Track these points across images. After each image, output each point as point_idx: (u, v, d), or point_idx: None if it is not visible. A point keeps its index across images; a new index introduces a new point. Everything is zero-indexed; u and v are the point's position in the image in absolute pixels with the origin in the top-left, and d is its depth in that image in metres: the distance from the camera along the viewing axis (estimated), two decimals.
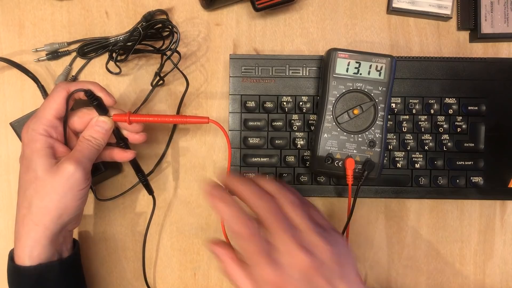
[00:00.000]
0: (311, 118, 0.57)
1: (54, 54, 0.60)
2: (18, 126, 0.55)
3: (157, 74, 0.57)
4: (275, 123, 0.57)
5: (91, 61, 0.61)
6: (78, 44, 0.60)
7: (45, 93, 0.57)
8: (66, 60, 0.60)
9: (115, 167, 0.60)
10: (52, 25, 0.61)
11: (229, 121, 0.57)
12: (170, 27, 0.58)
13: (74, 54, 0.60)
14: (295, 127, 0.57)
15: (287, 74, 0.57)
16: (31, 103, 0.60)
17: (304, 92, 0.57)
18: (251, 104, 0.57)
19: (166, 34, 0.59)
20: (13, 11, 0.61)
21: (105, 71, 0.60)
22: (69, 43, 0.60)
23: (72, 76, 0.60)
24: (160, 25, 0.58)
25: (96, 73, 0.61)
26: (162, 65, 0.57)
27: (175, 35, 0.56)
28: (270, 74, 0.57)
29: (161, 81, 0.59)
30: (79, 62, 0.61)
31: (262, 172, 0.57)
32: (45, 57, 0.60)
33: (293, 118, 0.57)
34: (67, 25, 0.61)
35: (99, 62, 0.61)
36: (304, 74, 0.57)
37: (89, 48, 0.60)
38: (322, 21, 0.61)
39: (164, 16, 0.60)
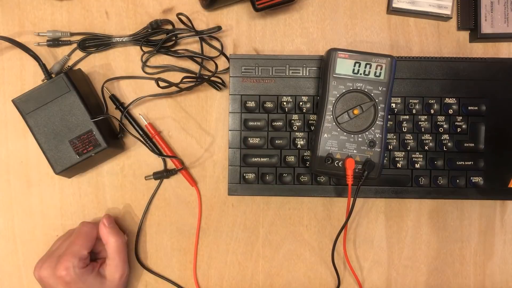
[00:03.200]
0: (311, 118, 0.57)
1: (55, 42, 0.60)
2: (20, 103, 0.55)
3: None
4: (275, 123, 0.57)
5: (90, 55, 0.60)
6: (80, 36, 0.60)
7: (47, 73, 0.57)
8: (66, 50, 0.60)
9: (118, 145, 0.60)
10: (52, 25, 0.61)
11: (229, 121, 0.57)
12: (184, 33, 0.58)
13: (74, 45, 0.60)
14: (295, 127, 0.57)
15: (287, 74, 0.57)
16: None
17: (304, 92, 0.57)
18: (251, 104, 0.57)
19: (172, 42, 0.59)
20: (13, 11, 0.61)
21: (104, 70, 0.61)
22: (72, 34, 0.60)
23: (68, 66, 0.60)
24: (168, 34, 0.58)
25: (96, 72, 0.61)
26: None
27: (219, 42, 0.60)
28: (270, 74, 0.57)
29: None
30: (78, 54, 0.60)
31: (262, 172, 0.57)
32: (45, 43, 0.60)
33: (293, 118, 0.57)
34: (67, 25, 0.61)
35: (100, 61, 0.61)
36: (304, 74, 0.57)
37: (91, 43, 0.60)
38: (322, 21, 0.61)
39: (170, 26, 0.60)
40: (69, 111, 0.55)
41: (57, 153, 0.55)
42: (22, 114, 0.55)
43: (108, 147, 0.56)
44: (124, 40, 0.59)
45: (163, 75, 0.60)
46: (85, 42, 0.60)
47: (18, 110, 0.55)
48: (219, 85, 0.59)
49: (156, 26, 0.59)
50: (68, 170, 0.56)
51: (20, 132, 0.60)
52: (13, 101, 0.55)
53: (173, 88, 0.57)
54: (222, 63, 0.60)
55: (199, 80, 0.58)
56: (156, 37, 0.60)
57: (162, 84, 0.56)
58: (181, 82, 0.57)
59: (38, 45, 0.60)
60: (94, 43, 0.60)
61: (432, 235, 0.61)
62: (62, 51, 0.61)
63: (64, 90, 0.55)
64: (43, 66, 0.57)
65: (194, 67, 0.60)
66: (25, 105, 0.55)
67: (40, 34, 0.60)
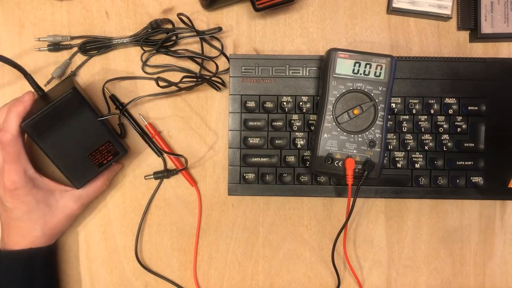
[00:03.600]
0: (311, 118, 0.57)
1: (56, 46, 0.60)
2: (28, 128, 0.51)
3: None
4: (275, 123, 0.57)
5: (91, 59, 0.60)
6: (81, 39, 0.60)
7: (38, 88, 0.55)
8: (66, 54, 0.60)
9: (126, 145, 0.59)
10: (52, 25, 0.60)
11: (229, 121, 0.57)
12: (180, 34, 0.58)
13: (75, 49, 0.60)
14: (295, 127, 0.57)
15: (287, 74, 0.57)
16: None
17: (304, 92, 0.57)
18: (251, 104, 0.57)
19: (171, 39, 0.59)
20: (13, 11, 0.61)
21: (103, 70, 0.61)
22: (72, 38, 0.60)
23: (71, 71, 0.60)
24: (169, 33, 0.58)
25: (97, 74, 0.61)
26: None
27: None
28: (270, 74, 0.57)
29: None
30: (79, 58, 0.60)
31: (262, 172, 0.57)
32: (46, 48, 0.60)
33: (293, 118, 0.57)
34: (67, 25, 0.61)
35: (100, 62, 0.61)
36: (304, 74, 0.57)
37: (92, 46, 0.60)
38: (322, 21, 0.61)
39: (170, 26, 0.60)
40: (82, 126, 0.53)
41: (76, 169, 0.54)
42: (33, 138, 0.52)
43: (126, 153, 0.56)
44: (124, 41, 0.59)
45: (163, 75, 0.60)
46: (86, 45, 0.60)
47: (28, 134, 0.52)
48: (218, 86, 0.59)
49: (156, 26, 0.59)
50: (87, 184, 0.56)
51: None
52: (21, 126, 0.51)
53: (173, 88, 0.57)
54: (222, 63, 0.60)
55: (199, 80, 0.58)
56: (157, 37, 0.59)
57: (161, 83, 0.56)
58: (180, 81, 0.57)
59: (39, 51, 0.60)
60: (94, 45, 0.60)
61: (432, 235, 0.61)
62: (63, 56, 0.60)
63: (74, 107, 0.52)
64: (33, 82, 0.54)
65: (194, 67, 0.60)
66: (35, 129, 0.52)
67: (40, 39, 0.60)
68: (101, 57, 0.61)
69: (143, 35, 0.59)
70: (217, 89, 0.60)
